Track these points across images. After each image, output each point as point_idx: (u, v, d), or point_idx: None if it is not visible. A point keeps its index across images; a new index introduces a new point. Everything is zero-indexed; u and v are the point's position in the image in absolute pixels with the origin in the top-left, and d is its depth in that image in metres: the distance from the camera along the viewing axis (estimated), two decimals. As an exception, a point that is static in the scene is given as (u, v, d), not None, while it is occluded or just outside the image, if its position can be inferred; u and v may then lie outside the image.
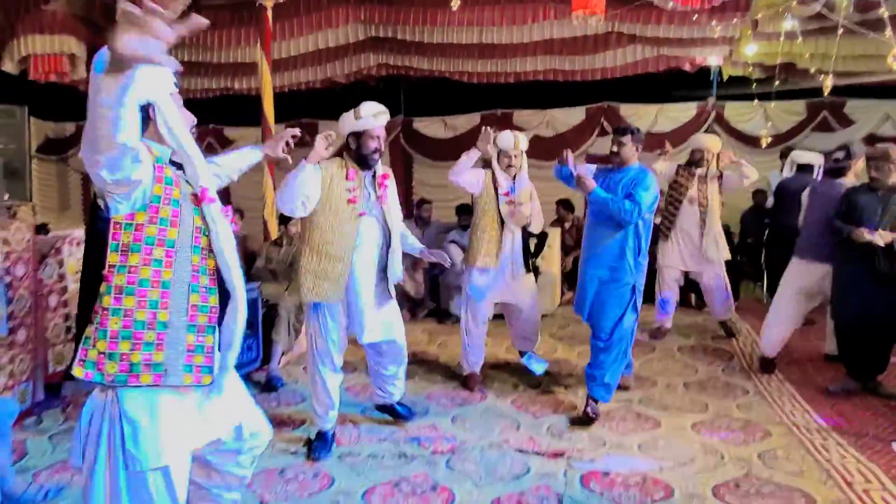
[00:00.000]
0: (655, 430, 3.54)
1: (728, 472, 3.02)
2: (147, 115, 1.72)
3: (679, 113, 8.42)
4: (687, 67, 7.32)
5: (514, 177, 4.10)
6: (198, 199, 1.77)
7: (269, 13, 5.76)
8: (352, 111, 3.10)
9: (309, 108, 8.70)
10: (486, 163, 4.25)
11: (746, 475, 2.98)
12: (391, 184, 3.27)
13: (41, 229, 3.96)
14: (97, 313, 1.69)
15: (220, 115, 9.07)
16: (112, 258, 1.68)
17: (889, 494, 2.76)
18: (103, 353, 1.68)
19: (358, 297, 3.15)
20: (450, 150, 9.03)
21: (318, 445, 3.22)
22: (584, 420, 3.59)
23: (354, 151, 3.13)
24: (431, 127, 9.02)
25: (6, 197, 3.55)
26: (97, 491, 1.70)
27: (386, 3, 6.95)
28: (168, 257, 1.72)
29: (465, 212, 6.82)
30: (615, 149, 3.60)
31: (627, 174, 3.60)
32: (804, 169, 5.71)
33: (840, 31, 5.21)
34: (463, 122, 8.85)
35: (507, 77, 8.06)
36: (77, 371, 1.69)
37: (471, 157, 4.00)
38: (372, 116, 3.05)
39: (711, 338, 5.46)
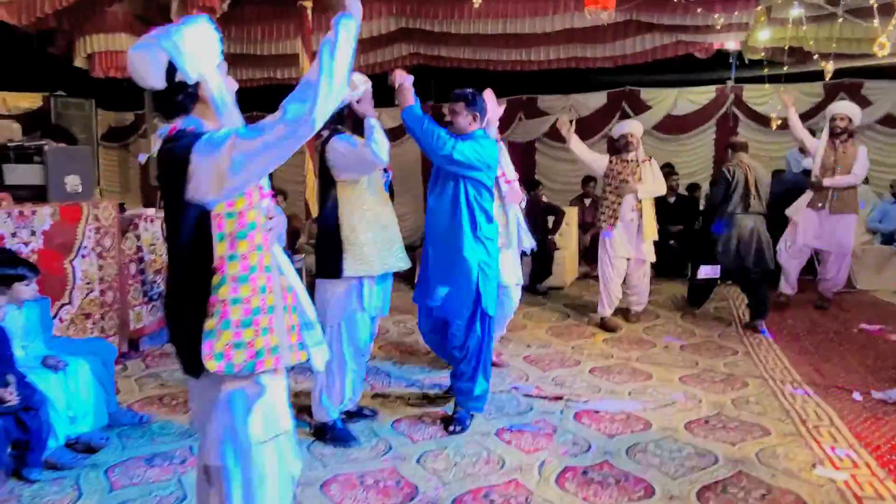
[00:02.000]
0: (647, 381, 4.07)
1: (702, 412, 3.54)
2: (195, 92, 1.71)
3: (698, 96, 8.73)
4: (699, 54, 7.62)
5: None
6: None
7: (309, 12, 6.34)
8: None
9: (344, 95, 9.26)
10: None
11: (717, 415, 3.49)
12: None
13: (120, 208, 4.66)
14: (214, 305, 1.68)
15: (263, 103, 9.73)
16: (220, 249, 1.68)
17: (836, 430, 3.24)
18: (229, 344, 1.68)
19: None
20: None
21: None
22: (455, 431, 3.30)
23: (358, 122, 3.06)
24: (460, 112, 9.52)
25: (78, 182, 4.23)
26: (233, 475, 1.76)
27: (415, -1, 7.47)
28: (265, 241, 1.75)
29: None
30: (448, 118, 3.31)
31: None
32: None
33: (840, 19, 5.53)
34: (490, 108, 9.32)
35: (531, 65, 8.51)
36: (210, 365, 1.68)
37: None
38: (363, 83, 3.07)
39: (714, 307, 5.92)
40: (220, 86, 1.72)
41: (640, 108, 8.91)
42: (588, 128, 9.12)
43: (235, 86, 1.82)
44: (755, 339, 4.93)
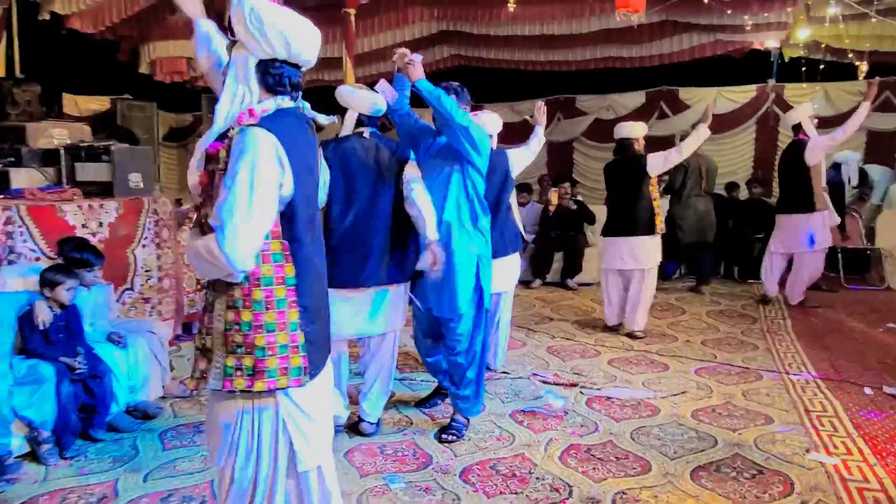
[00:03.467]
0: (662, 372, 4.24)
1: (711, 402, 3.69)
2: None
3: (738, 95, 8.71)
4: (737, 52, 7.65)
5: None
6: None
7: (353, 19, 6.69)
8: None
9: (389, 96, 9.62)
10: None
11: (725, 404, 3.64)
12: None
13: (177, 203, 5.09)
14: None
15: (311, 103, 10.21)
16: None
17: (837, 420, 3.36)
18: None
19: None
20: (516, 133, 9.75)
21: None
22: (450, 440, 3.17)
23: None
24: (499, 112, 9.72)
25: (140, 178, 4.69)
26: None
27: (456, 2, 7.73)
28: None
29: (524, 190, 7.59)
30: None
31: None
32: None
33: (874, 20, 5.53)
34: (528, 107, 9.48)
35: (568, 65, 8.68)
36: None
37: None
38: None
39: (741, 305, 5.99)
40: None
41: (678, 107, 8.96)
42: (626, 127, 9.23)
43: None
44: (778, 336, 5.01)
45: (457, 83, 3.25)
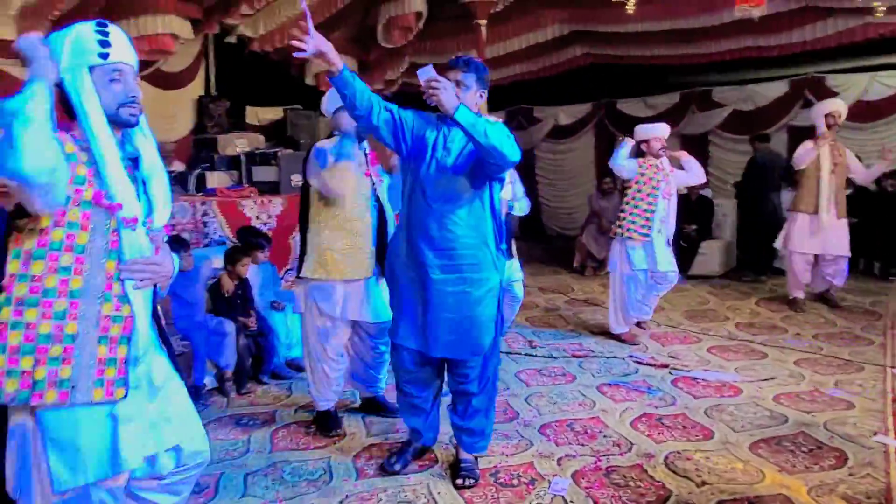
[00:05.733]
0: (759, 360, 4.40)
1: (798, 388, 3.85)
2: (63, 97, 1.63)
3: (895, 79, 8.11)
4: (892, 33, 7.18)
5: None
6: (109, 206, 1.64)
7: (483, 29, 7.31)
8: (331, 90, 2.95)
9: (523, 95, 10.13)
10: (639, 152, 4.88)
11: (812, 391, 3.78)
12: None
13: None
14: None
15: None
16: (12, 266, 1.58)
17: (922, 410, 3.41)
18: (1, 370, 1.56)
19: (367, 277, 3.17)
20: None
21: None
22: (468, 484, 2.70)
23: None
24: (633, 107, 9.85)
25: (300, 178, 5.72)
26: None
27: (585, 5, 8.06)
28: (78, 263, 1.60)
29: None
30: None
31: None
32: None
33: None
34: (663, 101, 9.54)
35: (702, 58, 8.60)
36: None
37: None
38: None
39: (870, 302, 5.78)
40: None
41: (824, 95, 8.42)
42: (766, 119, 8.91)
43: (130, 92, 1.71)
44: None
45: (478, 59, 2.64)
